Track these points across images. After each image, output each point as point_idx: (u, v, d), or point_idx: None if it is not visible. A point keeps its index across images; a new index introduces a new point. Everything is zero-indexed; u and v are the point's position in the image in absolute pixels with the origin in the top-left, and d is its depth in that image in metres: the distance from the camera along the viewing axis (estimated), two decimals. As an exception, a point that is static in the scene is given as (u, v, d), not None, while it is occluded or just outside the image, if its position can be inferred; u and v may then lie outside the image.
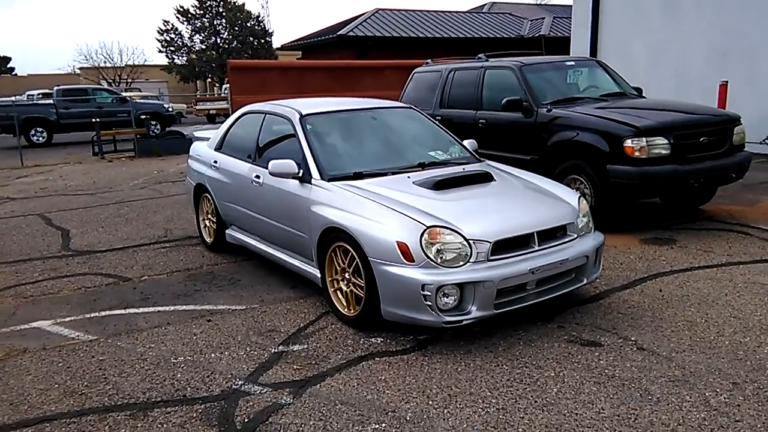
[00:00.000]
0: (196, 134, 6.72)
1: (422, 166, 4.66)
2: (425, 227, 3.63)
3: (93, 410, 3.15)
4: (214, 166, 5.78)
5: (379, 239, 3.72)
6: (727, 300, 4.28)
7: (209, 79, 47.75)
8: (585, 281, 4.13)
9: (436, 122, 5.60)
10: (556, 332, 3.88)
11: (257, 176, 4.99)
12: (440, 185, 4.19)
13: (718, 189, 6.99)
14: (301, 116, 4.88)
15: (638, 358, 3.48)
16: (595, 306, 4.29)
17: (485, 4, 30.75)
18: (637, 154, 5.68)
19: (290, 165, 4.46)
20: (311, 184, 4.40)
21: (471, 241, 3.63)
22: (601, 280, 4.74)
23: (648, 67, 11.23)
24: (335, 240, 4.09)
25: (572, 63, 7.35)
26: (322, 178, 4.39)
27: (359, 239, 3.81)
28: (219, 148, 5.86)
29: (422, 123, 5.45)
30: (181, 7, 44.65)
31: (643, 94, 7.41)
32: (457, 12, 26.05)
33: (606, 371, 3.35)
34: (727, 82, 9.23)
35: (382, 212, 3.84)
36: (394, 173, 4.48)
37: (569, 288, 4.06)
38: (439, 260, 3.58)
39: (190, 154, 6.45)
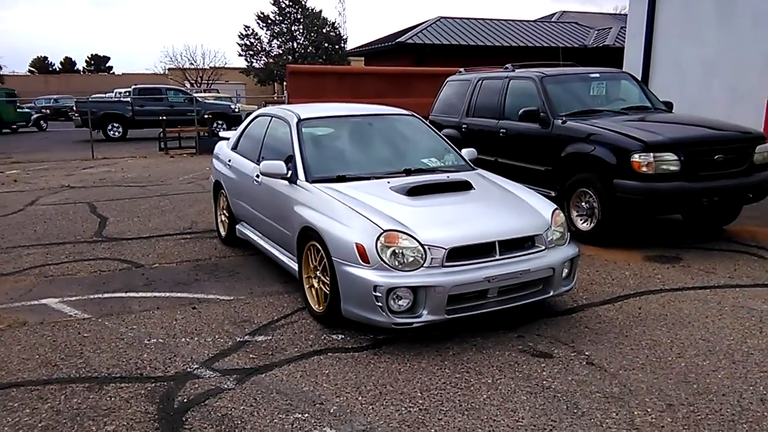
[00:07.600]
0: (221, 134, 7.10)
1: (407, 172, 4.75)
2: (382, 231, 3.74)
3: (58, 380, 3.47)
4: (228, 165, 6.12)
5: (342, 240, 3.86)
6: (705, 322, 4.14)
7: (285, 83, 49.29)
8: (551, 293, 4.11)
9: (435, 130, 5.67)
10: (513, 341, 3.89)
11: (257, 175, 5.25)
12: (414, 191, 4.28)
13: (751, 209, 6.68)
14: (299, 120, 5.10)
15: (582, 373, 3.45)
16: (565, 319, 4.26)
17: (555, 13, 30.20)
18: (644, 169, 5.54)
19: (279, 166, 4.69)
20: (297, 184, 4.61)
21: (426, 247, 3.71)
22: (582, 293, 4.70)
23: (700, 80, 10.74)
24: (310, 239, 4.27)
25: (597, 75, 7.21)
26: (306, 180, 4.58)
27: (325, 238, 3.98)
28: (234, 147, 6.19)
29: (421, 130, 5.54)
30: (262, 12, 46.58)
31: (673, 109, 7.18)
32: (521, 21, 25.70)
33: (544, 382, 3.35)
34: (776, 98, 8.73)
35: (347, 214, 3.99)
36: (376, 178, 4.61)
37: (534, 299, 4.06)
38: (394, 263, 3.68)
39: (214, 153, 6.82)
